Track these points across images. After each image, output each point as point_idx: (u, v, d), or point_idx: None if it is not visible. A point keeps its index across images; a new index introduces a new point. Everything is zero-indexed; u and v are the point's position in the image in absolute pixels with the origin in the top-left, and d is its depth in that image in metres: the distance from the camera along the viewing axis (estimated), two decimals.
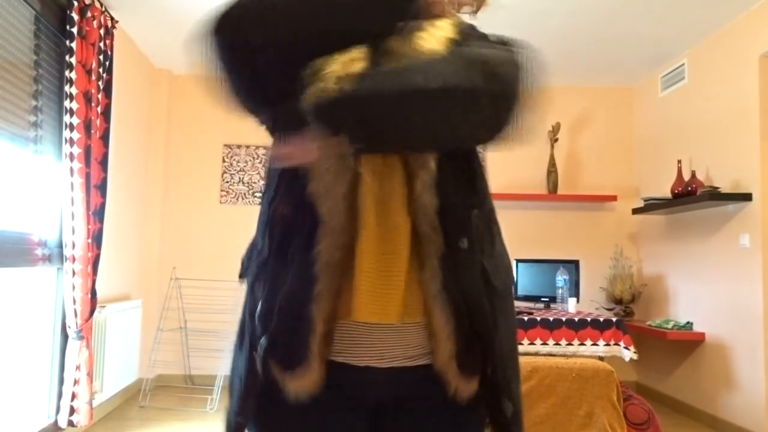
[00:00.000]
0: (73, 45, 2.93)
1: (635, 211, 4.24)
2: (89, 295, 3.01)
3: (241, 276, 0.91)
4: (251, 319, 0.84)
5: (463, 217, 0.82)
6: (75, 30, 2.94)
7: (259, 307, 0.83)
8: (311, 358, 0.78)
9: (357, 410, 0.85)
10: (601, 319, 3.37)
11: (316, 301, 0.78)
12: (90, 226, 2.99)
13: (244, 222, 4.51)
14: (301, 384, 0.79)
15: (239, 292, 4.38)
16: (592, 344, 3.34)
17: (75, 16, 2.95)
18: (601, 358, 3.29)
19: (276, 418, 0.84)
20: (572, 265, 3.93)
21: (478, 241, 0.83)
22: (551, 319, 3.36)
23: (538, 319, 3.36)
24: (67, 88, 2.92)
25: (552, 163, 4.52)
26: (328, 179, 0.78)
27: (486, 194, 0.89)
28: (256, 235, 0.90)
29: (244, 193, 4.52)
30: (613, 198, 4.52)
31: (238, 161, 4.53)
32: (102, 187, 3.17)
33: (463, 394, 0.82)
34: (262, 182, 4.54)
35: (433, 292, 0.80)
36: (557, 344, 3.33)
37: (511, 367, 0.87)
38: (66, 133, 2.91)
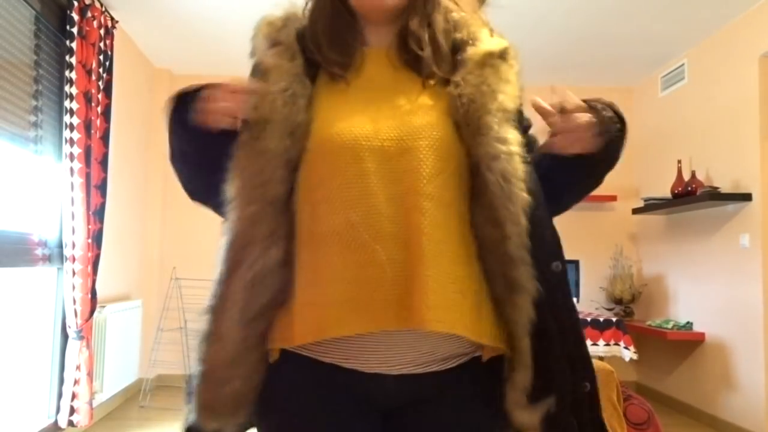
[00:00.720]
0: (73, 45, 2.93)
1: (635, 211, 4.24)
2: (89, 295, 3.01)
3: None
4: None
5: (552, 241, 0.87)
6: (75, 30, 2.94)
7: None
8: None
9: (369, 414, 0.84)
10: (601, 319, 3.37)
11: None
12: (90, 226, 2.99)
13: None
14: None
15: None
16: (592, 344, 3.34)
17: (75, 16, 2.94)
18: (601, 358, 3.29)
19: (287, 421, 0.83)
20: (572, 265, 3.93)
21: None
22: None
23: None
24: (67, 88, 2.92)
25: None
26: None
27: None
28: None
29: None
30: (613, 198, 4.51)
31: None
32: (102, 187, 3.17)
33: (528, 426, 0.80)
34: None
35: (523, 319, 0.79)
36: None
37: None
38: (66, 133, 2.91)
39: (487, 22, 0.93)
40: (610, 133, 0.84)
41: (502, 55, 0.88)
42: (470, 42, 0.88)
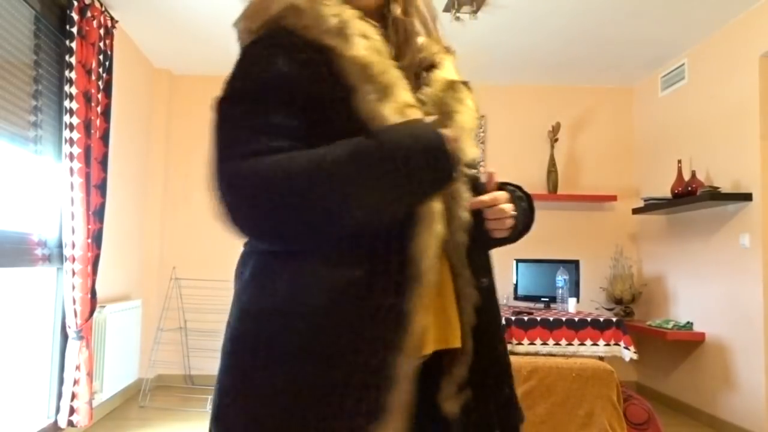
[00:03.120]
0: (73, 45, 2.93)
1: (635, 211, 4.24)
2: (89, 295, 3.01)
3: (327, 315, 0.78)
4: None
5: (485, 257, 0.96)
6: (75, 30, 2.94)
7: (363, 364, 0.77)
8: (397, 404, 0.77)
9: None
10: (601, 319, 3.37)
11: (410, 361, 0.79)
12: (90, 226, 2.99)
13: None
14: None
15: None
16: (592, 344, 3.34)
17: (75, 16, 2.94)
18: (601, 358, 3.29)
19: None
20: (572, 265, 3.93)
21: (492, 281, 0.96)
22: (551, 319, 3.36)
23: (538, 319, 3.36)
24: (67, 88, 2.92)
25: (552, 163, 4.52)
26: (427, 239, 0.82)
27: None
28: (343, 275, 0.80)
29: None
30: (613, 198, 4.51)
31: None
32: (102, 187, 3.17)
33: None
34: None
35: (467, 325, 0.90)
36: (557, 344, 3.33)
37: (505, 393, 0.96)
38: (66, 133, 2.91)
39: (449, 47, 1.00)
40: (522, 225, 0.98)
41: (465, 84, 0.96)
42: (437, 65, 0.94)
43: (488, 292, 0.93)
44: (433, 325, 0.85)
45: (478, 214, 0.91)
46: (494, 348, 0.93)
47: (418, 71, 0.92)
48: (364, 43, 0.81)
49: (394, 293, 0.78)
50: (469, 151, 0.87)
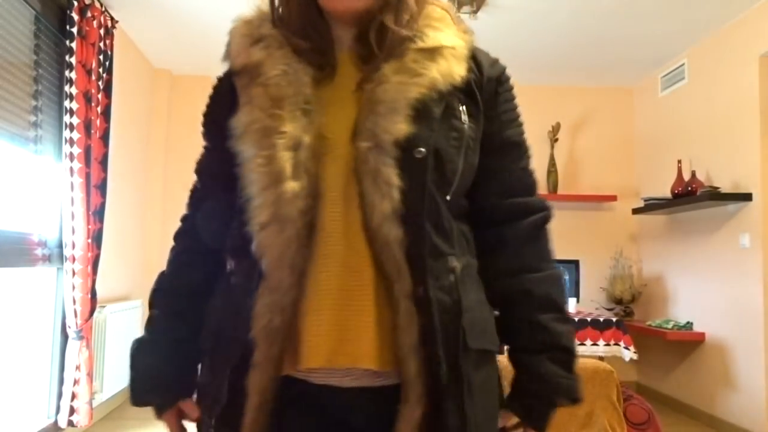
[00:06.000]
0: (73, 45, 2.93)
1: (635, 211, 4.24)
2: (89, 295, 3.01)
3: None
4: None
5: (429, 261, 0.75)
6: (75, 30, 2.94)
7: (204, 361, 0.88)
8: (244, 424, 0.75)
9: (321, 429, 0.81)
10: (601, 319, 3.37)
11: (253, 371, 0.74)
12: (90, 226, 2.99)
13: None
14: None
15: None
16: (592, 344, 3.34)
17: (75, 16, 2.94)
18: (601, 358, 3.29)
19: None
20: (572, 265, 3.93)
21: (452, 290, 0.77)
22: None
23: None
24: (67, 88, 2.92)
25: (552, 163, 4.51)
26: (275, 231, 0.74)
27: (464, 247, 0.85)
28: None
29: None
30: (613, 198, 4.51)
31: None
32: (102, 187, 3.17)
33: None
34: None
35: (406, 343, 0.73)
36: None
37: None
38: (66, 133, 2.91)
39: (460, 25, 0.87)
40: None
41: (451, 48, 0.81)
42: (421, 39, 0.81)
43: (427, 304, 0.73)
44: (326, 336, 0.73)
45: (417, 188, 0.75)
46: (440, 378, 0.73)
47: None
48: (259, 93, 0.79)
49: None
50: (395, 128, 0.74)
